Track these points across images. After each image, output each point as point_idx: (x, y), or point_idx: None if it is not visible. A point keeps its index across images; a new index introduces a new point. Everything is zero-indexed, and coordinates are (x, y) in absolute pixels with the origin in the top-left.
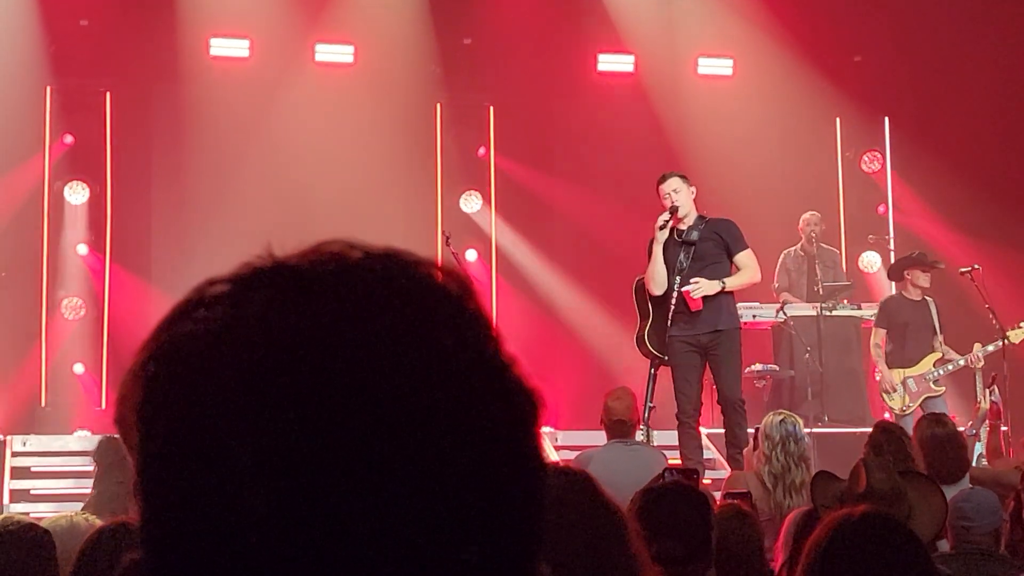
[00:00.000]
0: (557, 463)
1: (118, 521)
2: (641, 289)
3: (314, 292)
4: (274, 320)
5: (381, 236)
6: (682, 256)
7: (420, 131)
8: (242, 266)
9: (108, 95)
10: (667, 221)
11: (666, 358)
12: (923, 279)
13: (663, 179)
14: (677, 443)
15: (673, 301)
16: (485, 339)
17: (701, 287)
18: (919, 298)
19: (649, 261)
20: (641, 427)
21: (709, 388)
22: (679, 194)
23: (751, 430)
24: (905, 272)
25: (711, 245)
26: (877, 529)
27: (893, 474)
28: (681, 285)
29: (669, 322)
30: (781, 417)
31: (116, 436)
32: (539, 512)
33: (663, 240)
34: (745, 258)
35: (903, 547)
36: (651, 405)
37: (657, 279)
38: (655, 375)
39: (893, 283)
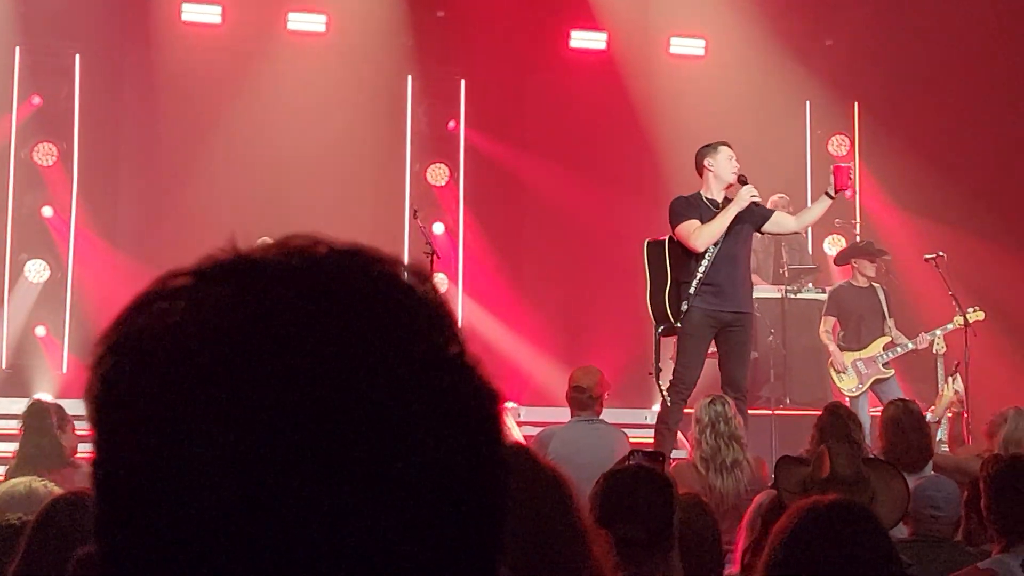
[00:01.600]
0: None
1: (75, 491)
2: (658, 251)
3: (276, 287)
4: (235, 315)
5: (349, 207)
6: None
7: (391, 103)
8: (204, 259)
9: (78, 57)
10: (755, 196)
11: (679, 326)
12: (869, 268)
13: (726, 144)
14: (658, 414)
15: (702, 271)
16: (448, 339)
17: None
18: (867, 285)
19: (683, 217)
20: (660, 383)
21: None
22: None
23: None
24: (852, 261)
25: (746, 226)
26: (845, 519)
27: (857, 460)
28: (717, 256)
29: (692, 291)
30: (711, 399)
31: (41, 400)
32: (501, 513)
33: (744, 204)
34: (781, 212)
35: (870, 537)
36: (660, 367)
37: (713, 239)
38: (660, 340)
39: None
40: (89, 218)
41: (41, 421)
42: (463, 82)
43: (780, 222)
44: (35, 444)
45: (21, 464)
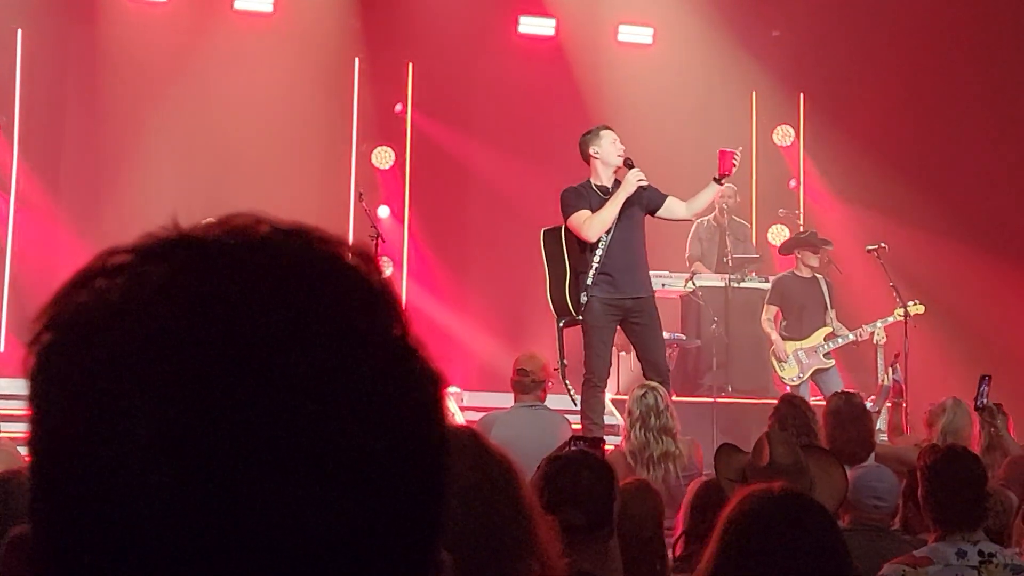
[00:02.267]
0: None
1: (8, 471)
2: (555, 241)
3: (218, 266)
4: (175, 293)
5: (294, 189)
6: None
7: (337, 85)
8: (145, 236)
9: (20, 32)
10: (642, 180)
11: (580, 317)
12: (812, 259)
13: (607, 128)
14: (580, 406)
15: (597, 260)
16: (391, 321)
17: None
18: (809, 276)
19: (573, 208)
20: (567, 383)
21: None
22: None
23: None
24: (795, 251)
25: (637, 208)
26: (797, 507)
27: (795, 448)
28: (611, 244)
29: (590, 281)
30: (643, 392)
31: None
32: (442, 500)
33: (630, 190)
34: (675, 199)
35: (821, 525)
36: (564, 363)
37: (604, 228)
38: (563, 331)
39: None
40: (30, 194)
41: None
42: (411, 66)
43: (672, 208)
44: None
45: None
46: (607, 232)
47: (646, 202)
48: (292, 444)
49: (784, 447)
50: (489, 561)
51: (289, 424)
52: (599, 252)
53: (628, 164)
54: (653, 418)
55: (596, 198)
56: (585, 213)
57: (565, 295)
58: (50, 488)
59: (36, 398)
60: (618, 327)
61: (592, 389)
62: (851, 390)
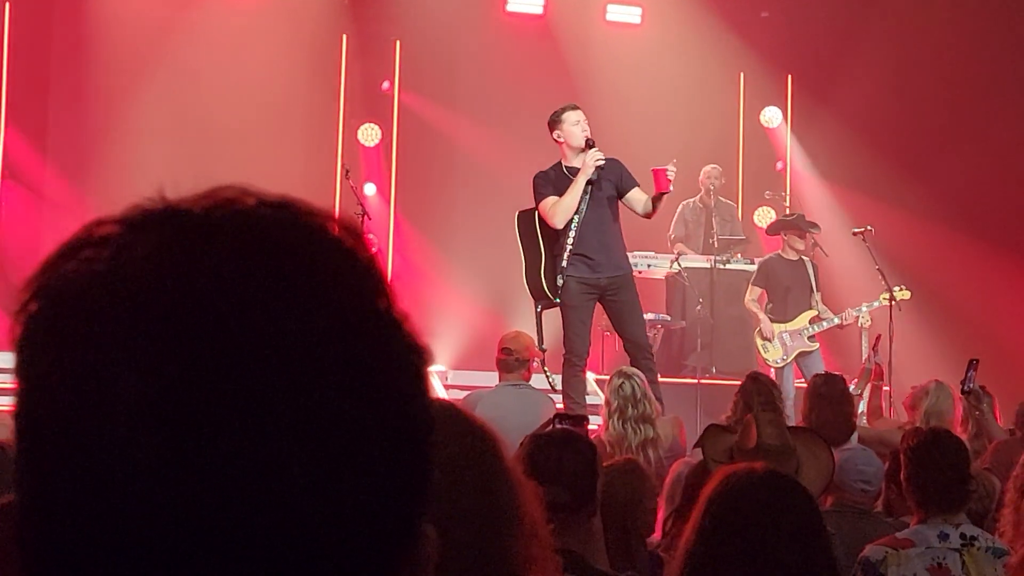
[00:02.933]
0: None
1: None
2: (529, 223)
3: (204, 237)
4: (162, 263)
5: (280, 165)
6: (582, 197)
7: (324, 62)
8: (132, 207)
9: (7, 5)
10: (601, 160)
11: (557, 300)
12: (799, 242)
13: (573, 108)
14: (562, 386)
15: (570, 242)
16: (377, 293)
17: (672, 170)
18: (796, 258)
19: (543, 194)
20: (545, 370)
21: (598, 333)
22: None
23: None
24: (782, 233)
25: (608, 186)
26: (778, 487)
27: (783, 429)
28: (582, 226)
29: (564, 263)
30: (620, 381)
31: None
32: (426, 472)
33: (589, 173)
34: (640, 192)
35: (802, 507)
36: (544, 349)
37: (569, 213)
38: (541, 315)
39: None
40: (15, 168)
41: None
42: (398, 43)
43: (633, 200)
44: None
45: None
46: (577, 213)
47: (616, 181)
48: (276, 414)
49: (772, 428)
50: (474, 534)
51: (273, 394)
52: (571, 234)
53: (589, 144)
54: (631, 408)
55: (565, 181)
56: (552, 199)
57: (541, 279)
58: (35, 456)
59: (22, 366)
60: (598, 306)
61: (572, 368)
62: (835, 374)
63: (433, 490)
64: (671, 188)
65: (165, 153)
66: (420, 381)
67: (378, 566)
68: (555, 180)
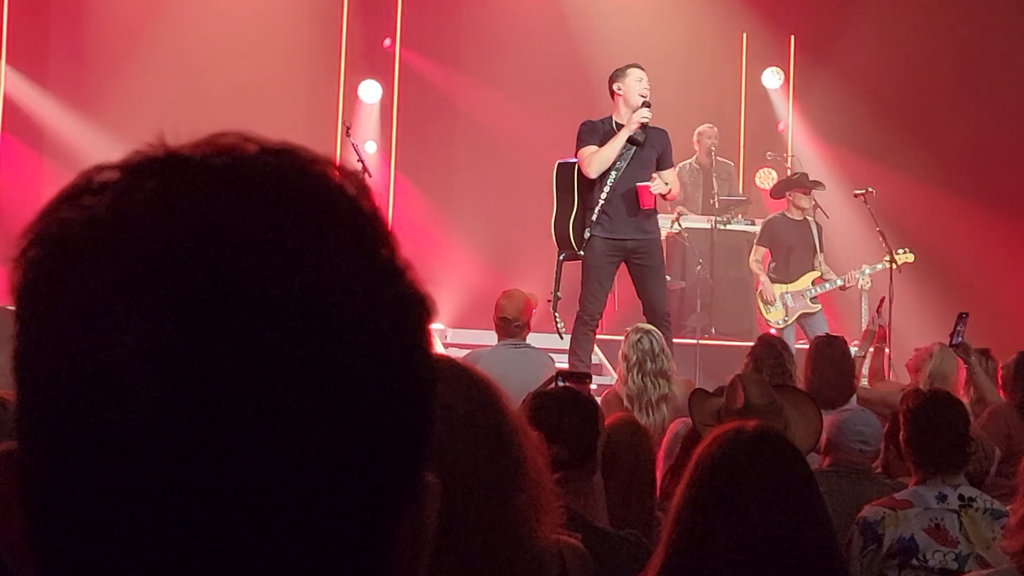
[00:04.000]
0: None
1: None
2: (567, 174)
3: (205, 183)
4: (163, 208)
5: (281, 121)
6: (622, 153)
7: (325, 17)
8: (132, 153)
9: None
10: (648, 120)
11: (581, 253)
12: (804, 200)
13: (638, 66)
14: (569, 344)
15: (603, 198)
16: (380, 241)
17: (658, 185)
18: (800, 218)
19: (585, 142)
20: (556, 315)
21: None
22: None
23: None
24: (787, 193)
25: (651, 152)
26: (769, 445)
27: (768, 388)
28: (617, 183)
29: (594, 218)
30: (638, 336)
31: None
32: (428, 421)
33: (633, 129)
34: (670, 174)
35: (793, 464)
36: (559, 296)
37: (607, 164)
38: (562, 264)
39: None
40: (15, 125)
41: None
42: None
43: (661, 178)
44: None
45: None
46: (615, 170)
47: (660, 152)
48: (277, 362)
49: (757, 387)
50: (479, 484)
51: (274, 342)
52: (606, 190)
53: (645, 104)
54: (649, 362)
55: (612, 135)
56: (592, 148)
57: (568, 228)
58: (35, 403)
59: (21, 313)
60: (621, 268)
61: (582, 327)
62: (836, 336)
63: (436, 440)
64: (663, 193)
65: (165, 108)
66: (423, 329)
67: (382, 515)
68: (602, 132)
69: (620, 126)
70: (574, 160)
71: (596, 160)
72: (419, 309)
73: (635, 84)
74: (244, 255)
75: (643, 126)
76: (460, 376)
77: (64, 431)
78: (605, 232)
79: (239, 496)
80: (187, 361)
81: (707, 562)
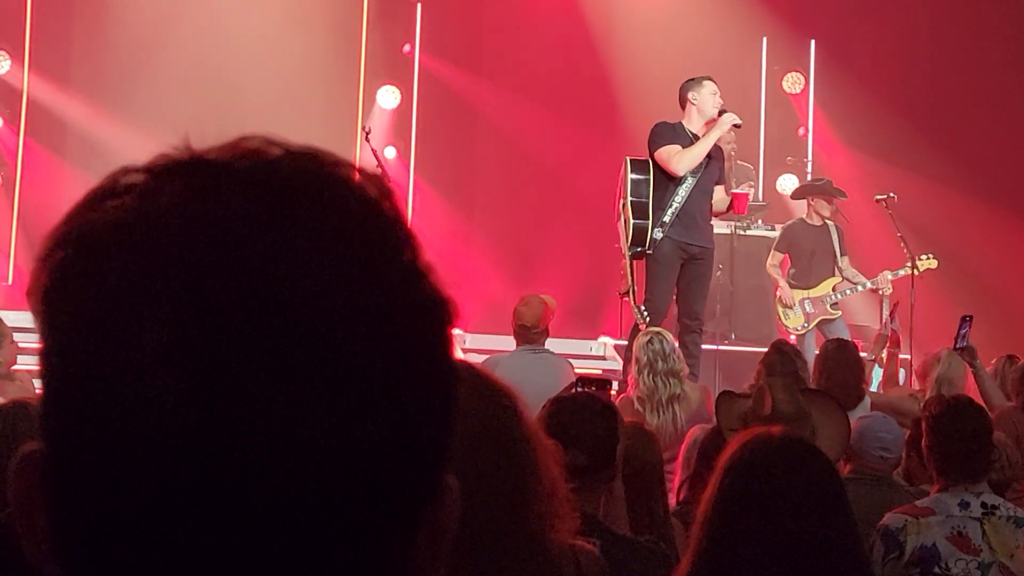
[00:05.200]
0: None
1: (16, 400)
2: (643, 170)
3: (230, 186)
4: (187, 211)
5: (300, 126)
6: (701, 164)
7: (345, 23)
8: (157, 156)
9: None
10: (739, 124)
11: (650, 252)
12: (825, 208)
13: (711, 80)
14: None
15: (678, 201)
16: (402, 244)
17: (752, 193)
18: (820, 224)
19: (665, 141)
20: (640, 307)
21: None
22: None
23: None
24: (809, 199)
25: (718, 165)
26: (795, 452)
27: (797, 396)
28: (694, 189)
29: (668, 218)
30: (648, 338)
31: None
32: (449, 423)
33: (719, 135)
34: (722, 191)
35: (820, 471)
36: (635, 288)
37: (693, 165)
38: (633, 263)
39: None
40: (39, 128)
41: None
42: (419, 6)
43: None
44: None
45: None
46: (693, 175)
47: (721, 167)
48: (298, 363)
49: (785, 394)
50: (494, 490)
51: (296, 343)
52: (682, 193)
53: (723, 112)
54: (660, 362)
55: (685, 139)
56: (676, 147)
57: (647, 227)
58: (60, 403)
59: (47, 315)
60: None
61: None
62: (847, 338)
63: (455, 444)
64: (746, 212)
65: (186, 113)
66: (444, 332)
67: (401, 516)
68: (678, 134)
69: (692, 134)
70: (645, 158)
71: (687, 158)
72: (441, 312)
73: (710, 97)
74: (267, 257)
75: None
76: (477, 382)
77: (89, 429)
78: (677, 235)
79: (260, 494)
80: (210, 361)
81: (735, 568)
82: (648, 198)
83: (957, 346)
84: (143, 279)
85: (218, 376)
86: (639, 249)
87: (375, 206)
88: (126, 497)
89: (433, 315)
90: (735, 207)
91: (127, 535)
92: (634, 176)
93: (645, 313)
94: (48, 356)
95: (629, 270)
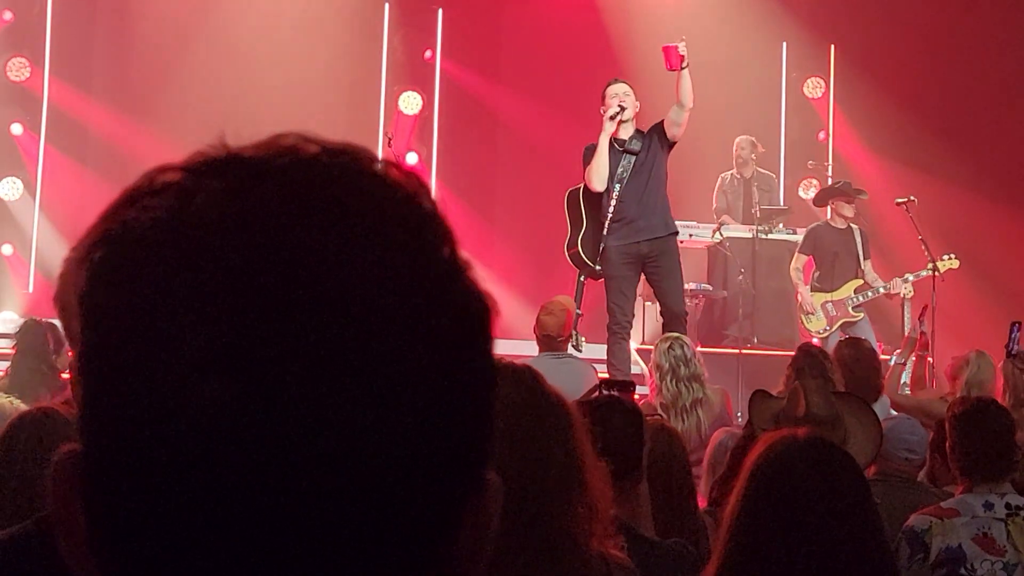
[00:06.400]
0: (502, 358)
1: (42, 408)
2: (574, 198)
3: (268, 183)
4: (225, 209)
5: (322, 132)
6: (623, 165)
7: (367, 29)
8: (194, 154)
9: None
10: (616, 114)
11: (599, 268)
12: (847, 209)
13: (614, 82)
14: (606, 355)
15: (612, 208)
16: (441, 240)
17: (683, 46)
18: (844, 226)
19: (587, 163)
20: (574, 332)
21: (638, 303)
22: (628, 97)
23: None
24: (830, 201)
25: (651, 156)
26: (823, 454)
27: (831, 399)
28: (624, 193)
29: (605, 231)
30: (668, 344)
31: (38, 319)
32: (489, 420)
33: (610, 132)
34: (669, 114)
35: (848, 473)
36: (579, 313)
37: (601, 172)
38: (584, 284)
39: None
40: (59, 135)
41: (40, 344)
42: (440, 11)
43: (671, 122)
44: (31, 368)
45: (14, 388)
46: (619, 182)
47: (656, 138)
48: (340, 362)
49: (820, 397)
50: (536, 494)
51: (337, 342)
52: (612, 202)
53: (621, 108)
54: (683, 367)
55: (613, 151)
56: (593, 163)
57: (579, 247)
58: (100, 405)
59: (86, 315)
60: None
61: (613, 337)
62: (860, 337)
63: (505, 438)
64: (683, 65)
65: (208, 119)
66: (483, 328)
67: (445, 512)
68: (590, 150)
69: (618, 140)
70: (579, 185)
71: (591, 172)
72: (481, 307)
73: (610, 100)
74: (307, 255)
75: (634, 137)
76: (530, 386)
77: (131, 431)
78: (618, 240)
79: (305, 496)
80: (252, 361)
81: (762, 570)
82: (581, 221)
83: (1009, 352)
84: (182, 280)
85: (261, 378)
86: (585, 272)
87: (413, 202)
88: (168, 500)
89: (473, 311)
90: (667, 62)
91: (169, 537)
92: (569, 207)
93: (582, 339)
94: (87, 358)
95: (576, 295)
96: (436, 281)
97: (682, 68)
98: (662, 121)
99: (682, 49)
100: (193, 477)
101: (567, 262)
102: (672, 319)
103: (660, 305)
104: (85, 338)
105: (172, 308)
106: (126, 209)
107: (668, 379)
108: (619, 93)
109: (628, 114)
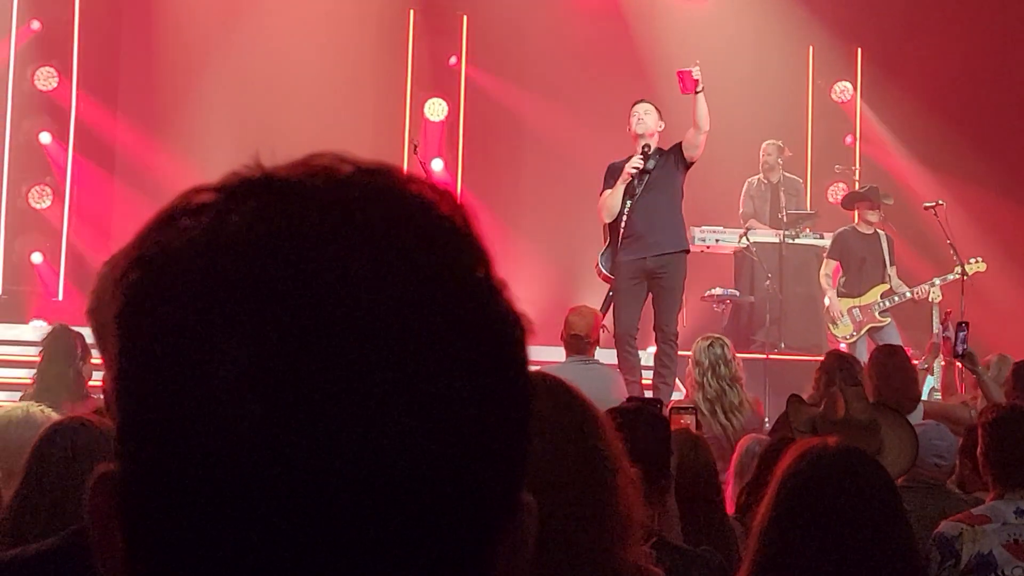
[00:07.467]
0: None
1: (76, 417)
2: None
3: (304, 204)
4: (261, 230)
5: (348, 141)
6: (636, 183)
7: (392, 36)
8: (229, 175)
9: None
10: (638, 168)
11: (613, 276)
12: (872, 214)
13: (638, 103)
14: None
15: (623, 225)
16: (476, 260)
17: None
18: (871, 232)
19: (606, 185)
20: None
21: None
22: (648, 116)
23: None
24: (856, 205)
25: (664, 173)
26: (855, 463)
27: (869, 405)
28: (634, 209)
29: (619, 246)
30: (708, 342)
31: (65, 325)
32: (524, 440)
33: (627, 179)
34: (686, 138)
35: (879, 483)
36: (604, 326)
37: (611, 210)
38: (611, 298)
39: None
40: (87, 144)
41: (68, 350)
42: (465, 18)
43: (690, 142)
44: (58, 374)
45: (40, 394)
46: (631, 198)
47: (674, 159)
48: (377, 383)
49: (860, 403)
50: (571, 508)
51: (374, 363)
52: (624, 219)
53: (644, 149)
54: (723, 366)
55: (619, 174)
56: (606, 193)
57: (599, 261)
58: (137, 426)
59: (123, 336)
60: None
61: (619, 347)
62: (897, 345)
63: (536, 455)
64: (698, 89)
65: (234, 129)
66: (519, 349)
67: (481, 533)
68: (614, 172)
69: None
70: None
71: (603, 208)
72: (516, 328)
73: (631, 120)
74: (343, 276)
75: (646, 156)
76: (563, 395)
77: (168, 452)
78: (628, 255)
79: (341, 516)
80: (289, 382)
81: None
82: (606, 235)
83: (957, 352)
84: (218, 301)
85: (298, 399)
86: (611, 284)
87: (448, 222)
88: (206, 521)
89: (507, 332)
90: (681, 87)
91: (207, 558)
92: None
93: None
94: (123, 380)
95: (603, 307)
96: (471, 302)
97: (697, 92)
98: (681, 142)
99: (696, 73)
100: (232, 499)
101: (592, 268)
102: (663, 337)
103: (654, 320)
104: (121, 361)
105: (209, 330)
106: (161, 230)
107: (709, 375)
108: (639, 112)
109: (643, 127)
